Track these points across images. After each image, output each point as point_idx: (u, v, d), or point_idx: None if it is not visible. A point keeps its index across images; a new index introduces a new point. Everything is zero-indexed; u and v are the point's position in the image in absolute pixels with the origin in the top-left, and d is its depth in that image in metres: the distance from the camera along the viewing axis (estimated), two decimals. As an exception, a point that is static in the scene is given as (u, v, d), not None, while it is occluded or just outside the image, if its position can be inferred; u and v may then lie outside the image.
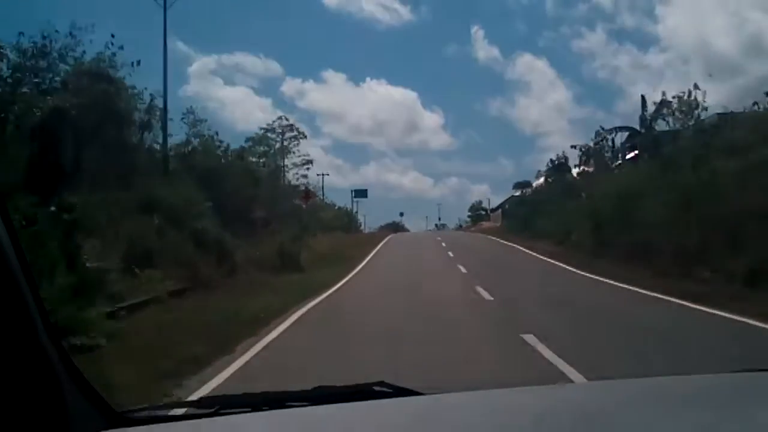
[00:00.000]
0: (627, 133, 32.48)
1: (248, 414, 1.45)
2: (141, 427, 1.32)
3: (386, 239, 42.26)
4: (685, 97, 29.05)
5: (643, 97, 32.59)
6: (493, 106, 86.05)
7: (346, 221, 68.53)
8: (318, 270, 20.83)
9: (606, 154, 33.92)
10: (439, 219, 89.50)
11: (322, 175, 57.50)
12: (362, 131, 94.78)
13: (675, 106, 29.47)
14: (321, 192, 56.16)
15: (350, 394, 1.57)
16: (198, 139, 25.43)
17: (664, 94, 29.86)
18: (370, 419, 1.45)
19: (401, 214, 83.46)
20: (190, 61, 56.37)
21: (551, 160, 46.63)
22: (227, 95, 70.94)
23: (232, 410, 1.47)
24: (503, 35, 75.90)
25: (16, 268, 1.10)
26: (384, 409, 1.53)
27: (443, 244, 33.00)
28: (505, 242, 34.89)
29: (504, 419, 1.43)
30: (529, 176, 54.75)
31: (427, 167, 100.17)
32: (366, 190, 63.85)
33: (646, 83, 70.66)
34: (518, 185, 57.69)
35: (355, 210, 75.61)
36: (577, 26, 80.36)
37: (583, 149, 34.59)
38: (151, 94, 20.76)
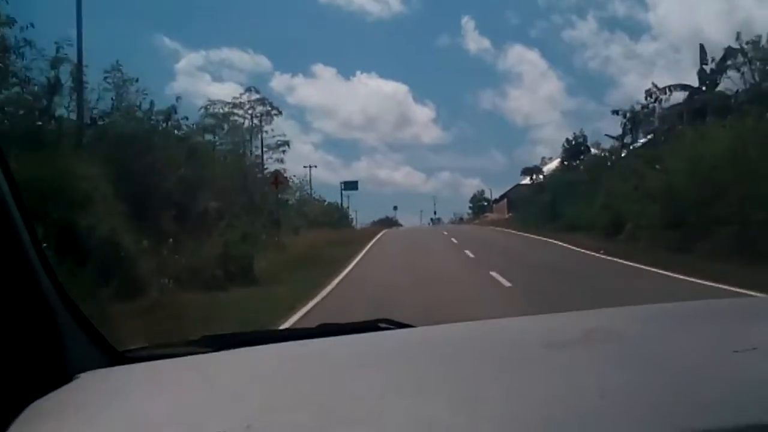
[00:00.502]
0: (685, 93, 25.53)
1: (250, 348, 1.43)
2: (141, 364, 1.34)
3: (379, 235, 36.17)
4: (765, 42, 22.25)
5: (702, 47, 25.73)
6: (484, 98, 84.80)
7: (336, 217, 62.04)
8: (282, 281, 13.89)
9: (652, 119, 26.88)
10: (435, 213, 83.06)
11: (309, 167, 50.89)
12: (353, 126, 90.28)
13: (750, 54, 22.66)
14: (309, 186, 49.61)
15: (354, 330, 1.59)
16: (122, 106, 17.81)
17: (738, 36, 22.94)
18: (369, 349, 1.45)
19: (395, 208, 76.57)
20: (177, 58, 56.62)
21: (567, 140, 41.94)
22: (215, 91, 65.88)
23: (234, 347, 1.45)
24: (494, 26, 74.97)
25: (9, 202, 1.08)
26: (383, 340, 1.54)
27: (454, 240, 26.12)
28: (533, 236, 27.59)
29: (511, 344, 1.39)
30: (522, 168, 52.06)
31: (420, 162, 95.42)
32: (356, 182, 58.13)
33: (638, 73, 66.84)
34: (527, 171, 52.16)
35: (346, 205, 69.49)
36: (569, 15, 76.47)
37: (628, 114, 27.50)
38: (56, 43, 14.34)
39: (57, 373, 1.16)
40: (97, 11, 28.70)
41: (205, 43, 64.85)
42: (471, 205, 77.11)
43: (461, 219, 76.55)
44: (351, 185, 56.75)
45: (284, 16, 69.30)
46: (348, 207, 68.73)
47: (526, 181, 51.53)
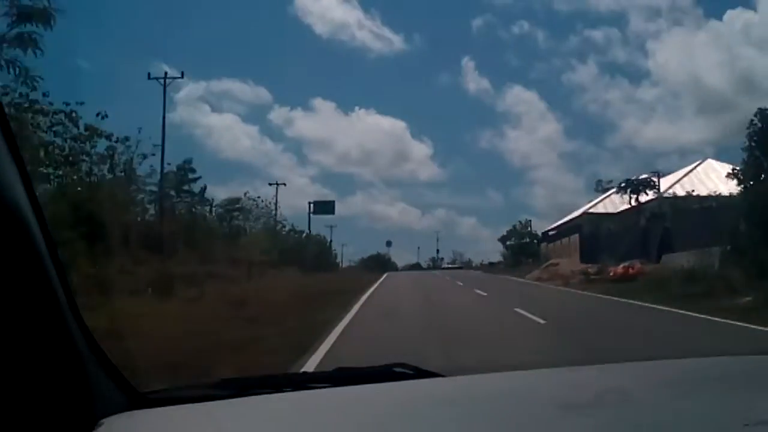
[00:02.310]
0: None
1: (267, 395, 1.46)
2: (162, 409, 1.35)
3: (370, 292, 22.46)
4: None
5: None
6: (482, 137, 79.68)
7: (313, 253, 53.01)
8: None
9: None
10: (438, 252, 74.99)
11: (276, 184, 40.32)
12: (350, 161, 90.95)
13: None
14: (275, 211, 40.02)
15: (371, 375, 1.59)
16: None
17: None
18: (390, 400, 1.45)
19: (388, 244, 67.49)
20: (177, 88, 51.16)
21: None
22: (214, 122, 64.37)
23: (253, 391, 1.47)
24: (494, 66, 73.98)
25: (42, 250, 1.08)
26: (404, 391, 1.53)
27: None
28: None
29: (524, 402, 1.42)
30: (520, 210, 40.47)
31: (415, 198, 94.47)
32: (332, 202, 44.82)
33: (637, 117, 68.82)
34: (629, 185, 33.70)
35: (329, 238, 60.48)
36: (569, 59, 77.13)
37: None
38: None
39: (82, 417, 1.17)
40: (100, 40, 29.41)
41: (206, 74, 63.72)
42: (507, 242, 60.00)
43: (465, 263, 67.52)
44: (324, 207, 43.08)
45: (286, 49, 68.96)
46: (331, 241, 60.55)
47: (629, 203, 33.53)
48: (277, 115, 73.27)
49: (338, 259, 62.94)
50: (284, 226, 40.67)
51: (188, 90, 54.92)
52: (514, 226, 59.63)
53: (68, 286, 1.16)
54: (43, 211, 1.09)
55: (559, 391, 1.47)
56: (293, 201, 73.71)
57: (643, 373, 1.68)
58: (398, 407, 1.36)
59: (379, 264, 61.02)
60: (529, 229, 57.88)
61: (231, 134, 64.52)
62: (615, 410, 1.22)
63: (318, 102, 79.01)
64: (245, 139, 70.40)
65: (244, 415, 1.32)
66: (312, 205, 42.65)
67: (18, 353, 1.06)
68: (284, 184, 39.98)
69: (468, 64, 76.72)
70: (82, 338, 1.21)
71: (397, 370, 1.58)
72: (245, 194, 37.04)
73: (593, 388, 1.42)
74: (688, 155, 77.53)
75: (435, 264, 74.87)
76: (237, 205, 35.19)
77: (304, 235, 51.09)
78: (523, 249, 55.57)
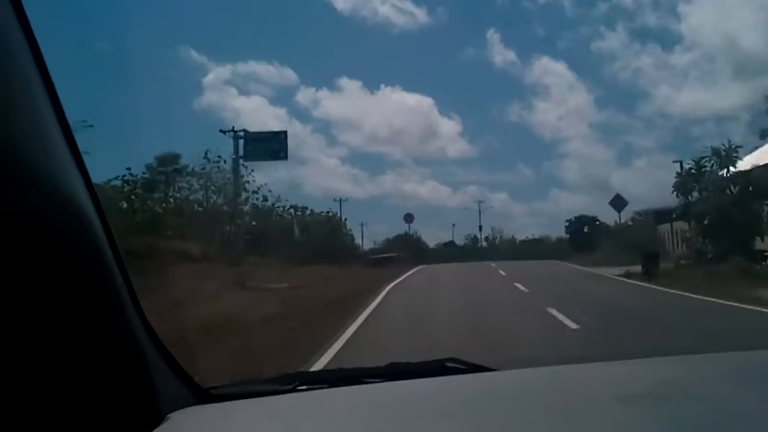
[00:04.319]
0: None
1: (325, 390, 1.54)
2: (227, 403, 1.40)
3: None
4: None
5: None
6: (511, 111, 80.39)
7: (328, 231, 43.12)
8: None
9: None
10: (481, 228, 63.40)
11: (232, 132, 29.17)
12: (379, 140, 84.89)
13: None
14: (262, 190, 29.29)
15: (423, 370, 1.63)
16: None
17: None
18: (445, 395, 1.48)
19: (408, 218, 55.47)
20: (205, 71, 58.25)
21: None
22: (242, 105, 62.91)
23: (310, 386, 1.54)
24: (520, 38, 72.13)
25: (104, 246, 1.10)
26: (459, 385, 1.55)
27: None
28: None
29: (580, 395, 1.44)
30: (551, 184, 33.59)
31: (445, 176, 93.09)
32: (280, 135, 25.83)
33: (669, 84, 67.14)
34: None
35: (343, 217, 50.45)
36: (597, 26, 75.38)
37: None
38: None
39: (148, 413, 1.19)
40: (129, 24, 26.92)
41: (232, 57, 67.11)
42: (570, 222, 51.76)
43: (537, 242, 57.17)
44: (265, 146, 24.03)
45: (309, 28, 68.18)
46: (344, 219, 50.65)
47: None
48: (304, 96, 75.70)
49: (357, 243, 53.64)
50: (262, 198, 29.85)
51: (215, 73, 59.58)
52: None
53: (131, 283, 1.18)
54: (105, 215, 1.11)
55: (616, 384, 1.48)
56: (324, 182, 71.61)
57: (700, 365, 1.69)
58: (453, 401, 1.39)
59: (406, 245, 50.88)
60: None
61: (259, 117, 62.18)
62: (675, 402, 1.22)
63: (344, 81, 78.36)
64: (273, 122, 68.80)
65: (305, 410, 1.39)
66: (244, 143, 22.14)
67: (83, 350, 1.05)
68: (242, 132, 23.60)
69: (493, 36, 77.33)
70: (145, 335, 1.22)
71: (450, 365, 1.61)
72: (206, 154, 26.27)
73: (650, 380, 1.45)
74: (724, 122, 72.64)
75: (477, 245, 63.35)
76: (175, 166, 24.62)
77: (308, 213, 41.20)
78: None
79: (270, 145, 20.46)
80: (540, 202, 79.96)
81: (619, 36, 69.86)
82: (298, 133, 67.63)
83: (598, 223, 65.20)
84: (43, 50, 0.97)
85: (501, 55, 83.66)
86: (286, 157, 20.61)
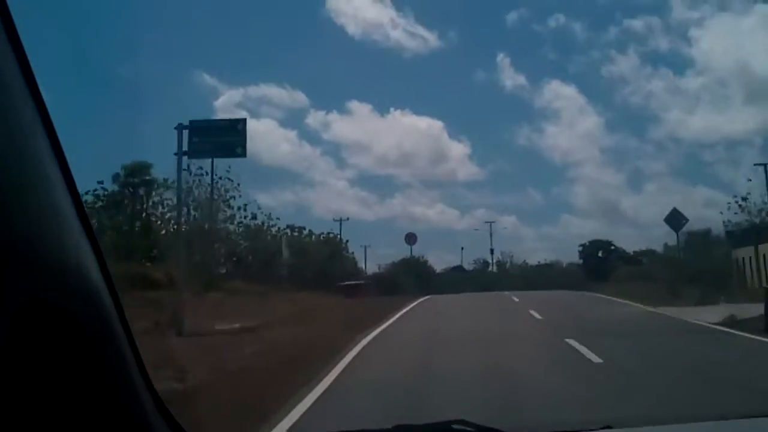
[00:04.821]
0: None
1: None
2: None
3: None
4: None
5: None
6: (521, 134, 79.72)
7: (327, 253, 39.62)
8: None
9: None
10: (492, 251, 59.06)
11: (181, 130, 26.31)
12: (388, 163, 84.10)
13: None
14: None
15: None
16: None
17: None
18: None
19: (410, 239, 51.02)
20: (216, 95, 57.88)
21: None
22: (253, 128, 56.16)
23: None
24: (530, 61, 70.07)
25: (110, 310, 1.10)
26: None
27: None
28: None
29: None
30: (561, 208, 32.18)
31: (454, 199, 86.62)
32: (238, 124, 17.43)
33: (681, 108, 64.01)
34: None
35: (345, 238, 46.90)
36: (608, 50, 74.87)
37: None
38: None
39: None
40: (141, 48, 27.22)
41: (244, 80, 67.24)
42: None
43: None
44: (218, 135, 16.49)
45: (320, 52, 66.08)
46: (345, 240, 47.17)
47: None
48: (314, 119, 72.20)
49: (359, 267, 50.12)
50: (250, 216, 26.30)
51: (227, 96, 55.18)
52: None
53: (134, 343, 1.17)
54: (110, 274, 1.11)
55: None
56: (333, 205, 73.79)
57: None
58: None
59: (411, 270, 47.25)
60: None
61: (270, 139, 60.74)
62: None
63: (354, 104, 77.25)
64: (284, 144, 66.79)
65: None
66: (189, 135, 15.43)
67: (85, 409, 1.03)
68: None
69: (504, 60, 74.45)
70: (151, 403, 1.21)
71: (457, 427, 1.54)
72: (188, 166, 22.96)
73: None
74: (736, 146, 72.32)
75: (488, 269, 59.62)
76: (145, 177, 21.16)
77: (306, 234, 37.59)
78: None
79: (222, 138, 15.13)
80: (549, 226, 78.31)
81: (630, 60, 66.52)
82: (308, 156, 68.56)
83: (613, 248, 63.44)
84: (60, 77, 1.02)
85: (511, 78, 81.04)
86: (244, 154, 15.22)
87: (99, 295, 1.04)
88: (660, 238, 79.24)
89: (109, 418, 1.05)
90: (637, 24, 74.39)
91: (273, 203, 63.75)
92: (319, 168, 65.77)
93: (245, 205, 25.43)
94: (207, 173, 25.12)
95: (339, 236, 44.88)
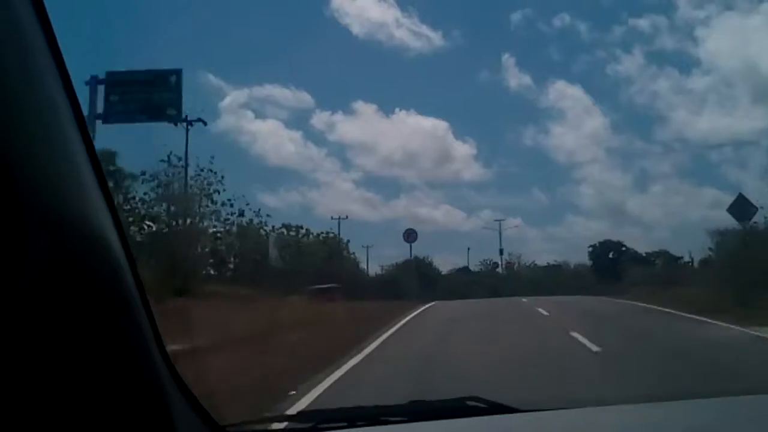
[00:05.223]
0: None
1: (344, 430, 1.51)
2: None
3: None
4: None
5: None
6: (526, 135, 78.42)
7: (325, 254, 36.66)
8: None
9: None
10: (501, 252, 55.92)
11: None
12: (393, 163, 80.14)
13: None
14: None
15: (443, 409, 1.61)
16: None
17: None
18: None
19: (410, 236, 46.81)
20: (222, 95, 58.39)
21: None
22: (258, 128, 61.75)
23: (330, 425, 1.52)
24: (535, 61, 68.52)
25: (130, 287, 1.10)
26: (478, 427, 1.53)
27: None
28: None
29: None
30: (566, 209, 33.30)
31: (459, 200, 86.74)
32: (172, 77, 15.28)
33: (688, 109, 64.43)
34: None
35: (345, 238, 43.90)
36: (613, 50, 71.24)
37: None
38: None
39: None
40: (145, 48, 25.60)
41: (249, 81, 64.99)
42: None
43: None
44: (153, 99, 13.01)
45: (325, 52, 64.83)
46: (346, 241, 44.24)
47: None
48: (319, 119, 69.78)
49: (364, 265, 47.27)
50: (237, 213, 23.18)
51: (232, 98, 56.72)
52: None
53: (152, 315, 1.18)
54: (129, 243, 1.12)
55: (642, 429, 1.48)
56: (338, 206, 70.87)
57: (728, 409, 1.65)
58: None
59: (414, 271, 44.35)
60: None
61: (275, 140, 60.37)
62: None
63: (359, 105, 76.33)
64: (289, 145, 66.93)
65: None
66: (105, 92, 11.21)
67: (99, 381, 1.04)
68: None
69: (509, 60, 73.95)
70: (165, 370, 1.21)
71: (471, 403, 1.58)
72: (168, 157, 20.17)
73: (678, 425, 1.45)
74: (743, 146, 69.49)
75: (495, 271, 56.68)
76: (110, 167, 18.04)
77: (301, 234, 34.47)
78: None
79: (149, 95, 10.95)
80: (554, 227, 77.61)
81: (635, 59, 65.36)
82: (313, 157, 66.65)
83: (624, 248, 61.81)
84: (70, 77, 0.98)
85: (516, 78, 79.93)
86: (179, 117, 10.43)
87: (115, 256, 1.05)
88: (665, 240, 75.29)
89: (122, 377, 1.05)
90: (643, 23, 73.54)
91: (279, 204, 59.89)
92: (325, 169, 63.77)
93: (230, 200, 22.48)
94: (197, 167, 22.30)
95: (338, 236, 41.92)
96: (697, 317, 15.21)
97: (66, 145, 0.96)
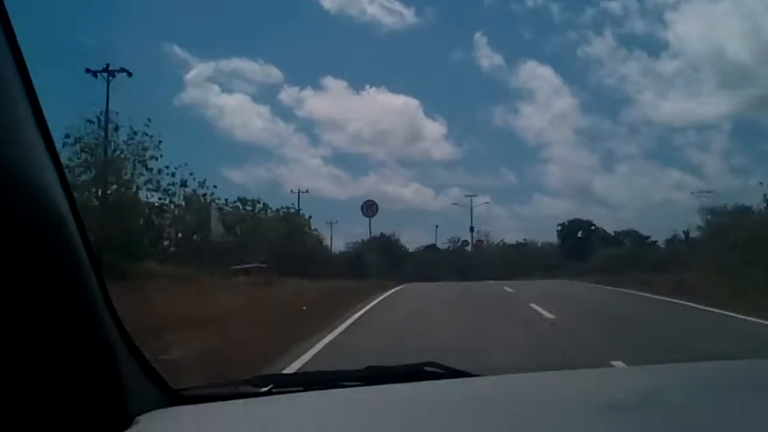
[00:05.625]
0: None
1: (300, 393, 1.48)
2: (198, 405, 1.35)
3: None
4: None
5: None
6: (496, 114, 79.55)
7: (284, 231, 34.26)
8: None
9: None
10: (473, 230, 54.12)
11: None
12: (363, 140, 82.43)
13: None
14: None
15: (402, 374, 1.59)
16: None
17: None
18: (421, 400, 1.45)
19: (368, 209, 37.17)
20: (187, 68, 57.18)
21: None
22: (225, 102, 62.09)
23: (285, 389, 1.48)
24: (507, 41, 69.32)
25: (77, 244, 1.07)
26: (436, 391, 1.53)
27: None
28: None
29: (557, 403, 1.41)
30: (534, 188, 35.83)
31: (428, 178, 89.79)
32: None
33: (655, 91, 65.49)
34: None
35: (307, 214, 41.58)
36: (584, 31, 72.58)
37: None
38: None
39: (117, 415, 1.14)
40: (109, 18, 25.94)
41: (216, 53, 63.44)
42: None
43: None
44: None
45: (294, 26, 65.60)
46: (307, 216, 41.91)
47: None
48: (288, 94, 71.01)
49: (326, 245, 45.08)
50: (179, 183, 20.62)
51: (198, 70, 55.77)
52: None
53: (102, 279, 1.14)
54: (76, 205, 1.08)
55: (596, 393, 1.48)
56: (307, 182, 71.15)
57: (682, 374, 1.67)
58: (429, 407, 1.36)
59: (380, 249, 42.32)
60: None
61: (242, 115, 60.94)
62: (652, 412, 1.21)
63: (328, 80, 73.64)
64: (257, 120, 66.74)
65: (278, 412, 1.34)
66: None
67: (48, 348, 1.00)
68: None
69: (481, 39, 74.22)
70: (117, 334, 1.18)
71: (428, 369, 1.57)
72: (99, 117, 17.51)
73: (630, 389, 1.45)
74: (705, 130, 74.52)
75: (464, 249, 54.97)
76: None
77: (235, 204, 31.70)
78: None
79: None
80: (522, 206, 79.23)
81: (606, 42, 65.81)
82: (281, 132, 65.67)
83: (593, 228, 62.10)
84: (21, 45, 0.96)
85: (488, 58, 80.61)
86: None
87: (62, 214, 1.02)
88: (631, 220, 74.58)
89: (70, 338, 1.03)
90: (614, 6, 73.27)
91: (245, 180, 59.18)
92: (292, 144, 64.27)
93: (168, 168, 19.84)
94: (130, 127, 19.58)
95: (298, 210, 39.49)
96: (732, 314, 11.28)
97: (8, 100, 0.94)
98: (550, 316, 11.54)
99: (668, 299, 14.83)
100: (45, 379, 0.97)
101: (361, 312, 12.77)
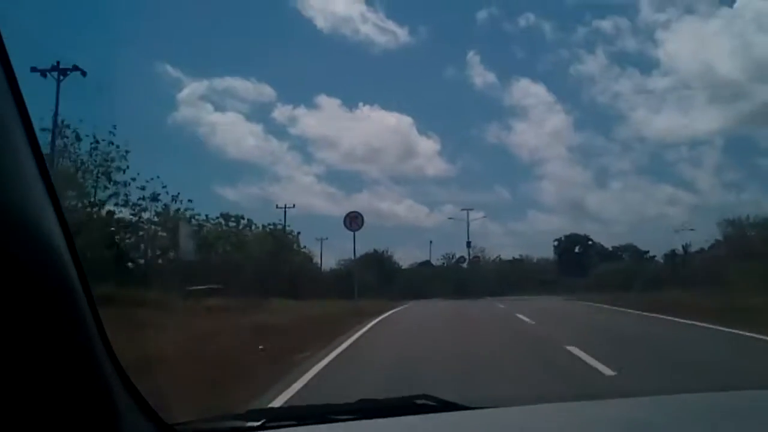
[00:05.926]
0: None
1: (293, 427, 1.47)
2: None
3: None
4: None
5: None
6: (490, 132, 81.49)
7: (270, 248, 32.58)
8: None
9: None
10: (469, 244, 52.79)
11: None
12: (356, 158, 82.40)
13: None
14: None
15: (393, 407, 1.59)
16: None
17: None
18: None
19: (351, 222, 26.28)
20: (180, 86, 58.21)
21: None
22: (217, 120, 59.08)
23: (278, 423, 1.49)
24: (500, 59, 72.12)
25: (72, 276, 1.06)
26: (428, 425, 1.52)
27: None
28: None
29: None
30: (528, 205, 30.78)
31: (422, 195, 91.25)
32: None
33: (648, 108, 65.68)
34: None
35: (295, 231, 39.87)
36: (577, 50, 72.79)
37: None
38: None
39: None
40: (103, 37, 26.08)
41: (208, 72, 64.48)
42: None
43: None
44: None
45: (288, 45, 64.59)
46: (296, 233, 40.27)
47: None
48: (281, 113, 70.11)
49: (317, 260, 43.42)
50: (150, 198, 19.01)
51: (191, 89, 56.66)
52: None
53: (96, 310, 1.12)
54: (71, 234, 1.06)
55: (588, 425, 1.49)
56: (300, 200, 69.00)
57: (673, 406, 1.67)
58: None
59: (375, 265, 40.72)
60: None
61: (235, 133, 60.67)
62: None
63: (322, 99, 76.40)
64: (250, 138, 66.41)
65: None
66: None
67: (41, 379, 0.99)
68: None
69: (474, 57, 76.43)
70: (110, 365, 1.16)
71: (420, 402, 1.58)
72: (61, 124, 15.89)
73: (622, 422, 1.47)
74: (697, 146, 75.21)
75: (460, 265, 53.33)
76: None
77: (218, 221, 29.96)
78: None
79: None
80: (516, 221, 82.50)
81: (598, 60, 68.97)
82: (274, 150, 66.21)
83: (590, 242, 61.44)
84: (14, 66, 0.95)
85: (481, 76, 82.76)
86: None
87: (56, 244, 1.01)
88: (624, 234, 75.50)
89: (65, 372, 1.01)
90: (606, 25, 73.93)
91: (238, 197, 59.49)
92: (286, 162, 64.18)
93: (135, 180, 18.25)
94: (91, 137, 18.03)
95: (285, 226, 37.85)
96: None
97: (3, 122, 0.93)
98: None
99: (741, 332, 10.60)
100: (39, 415, 0.96)
101: (334, 354, 8.98)
